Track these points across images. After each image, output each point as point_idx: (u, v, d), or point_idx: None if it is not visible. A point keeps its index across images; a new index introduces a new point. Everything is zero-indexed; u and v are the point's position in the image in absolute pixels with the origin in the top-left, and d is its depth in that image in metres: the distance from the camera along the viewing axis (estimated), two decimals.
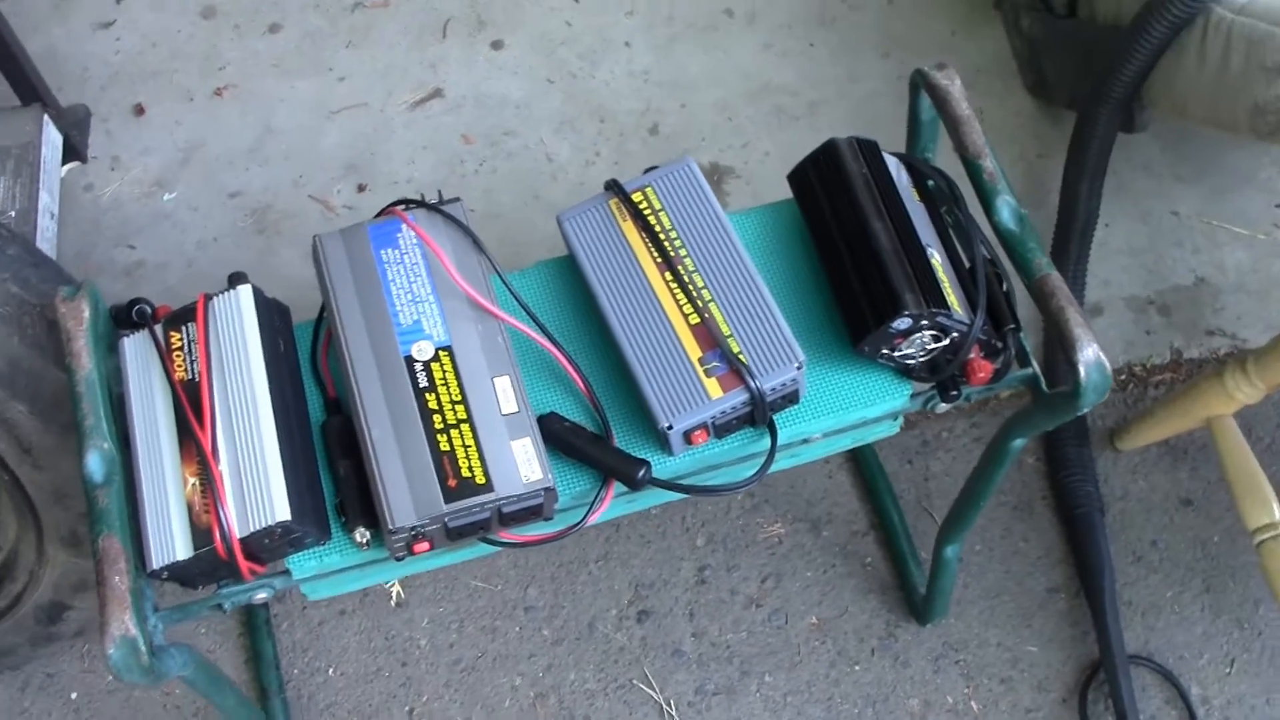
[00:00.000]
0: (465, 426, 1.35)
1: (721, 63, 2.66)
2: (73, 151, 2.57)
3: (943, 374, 1.44)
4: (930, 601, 2.03)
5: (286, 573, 1.41)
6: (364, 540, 1.38)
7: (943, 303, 1.37)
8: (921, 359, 1.43)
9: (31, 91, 2.48)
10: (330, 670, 2.09)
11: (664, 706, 2.04)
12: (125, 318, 1.48)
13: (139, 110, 2.65)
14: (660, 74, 2.64)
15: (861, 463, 2.21)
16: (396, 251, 1.46)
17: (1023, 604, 2.12)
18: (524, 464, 1.33)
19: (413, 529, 1.31)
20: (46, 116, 2.47)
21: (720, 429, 1.40)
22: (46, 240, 2.35)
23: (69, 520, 1.74)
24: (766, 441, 1.43)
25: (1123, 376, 2.29)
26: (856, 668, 2.07)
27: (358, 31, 2.73)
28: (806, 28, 2.69)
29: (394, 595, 2.14)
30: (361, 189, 2.52)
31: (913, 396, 1.48)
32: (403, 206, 1.51)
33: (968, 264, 1.46)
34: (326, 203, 2.50)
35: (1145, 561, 2.15)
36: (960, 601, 2.11)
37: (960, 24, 2.68)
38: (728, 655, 2.07)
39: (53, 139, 2.48)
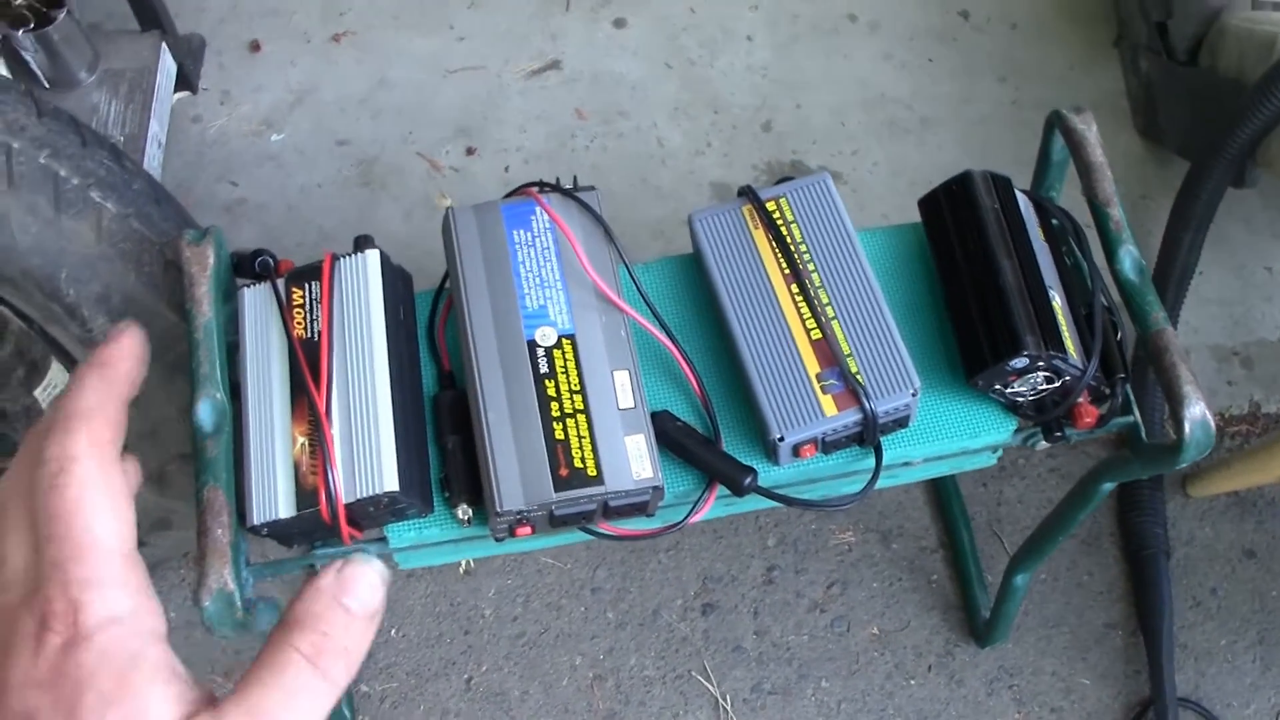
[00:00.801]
0: (581, 417, 1.36)
1: (840, 67, 2.67)
2: (184, 81, 2.59)
3: (1049, 415, 1.45)
4: (992, 625, 2.05)
5: (383, 539, 1.43)
6: (466, 518, 1.39)
7: (1061, 347, 1.39)
8: (1031, 398, 1.45)
9: (152, 17, 2.49)
10: (393, 630, 2.12)
11: (719, 700, 2.06)
12: (246, 267, 1.48)
13: (254, 47, 2.68)
14: (778, 71, 2.65)
15: (937, 481, 2.23)
16: (528, 233, 1.48)
17: (1080, 637, 2.13)
18: (636, 460, 1.35)
19: (519, 513, 1.33)
20: (164, 44, 2.49)
21: (829, 445, 1.42)
22: (152, 169, 2.37)
23: (158, 459, 1.75)
24: (870, 460, 1.44)
25: None
26: (912, 682, 2.09)
27: None
28: (927, 42, 2.70)
29: (463, 564, 2.16)
30: (470, 152, 2.53)
31: (1015, 432, 1.49)
32: (538, 188, 1.52)
33: (1085, 309, 1.47)
34: (434, 162, 2.52)
35: (1204, 608, 2.16)
36: (1019, 628, 2.13)
37: (1079, 58, 2.68)
38: (787, 656, 2.10)
39: (168, 67, 2.49)
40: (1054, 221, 1.55)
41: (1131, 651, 2.12)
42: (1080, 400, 1.43)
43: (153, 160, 2.38)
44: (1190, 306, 2.35)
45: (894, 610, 2.14)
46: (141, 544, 1.82)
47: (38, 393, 1.89)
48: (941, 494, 2.22)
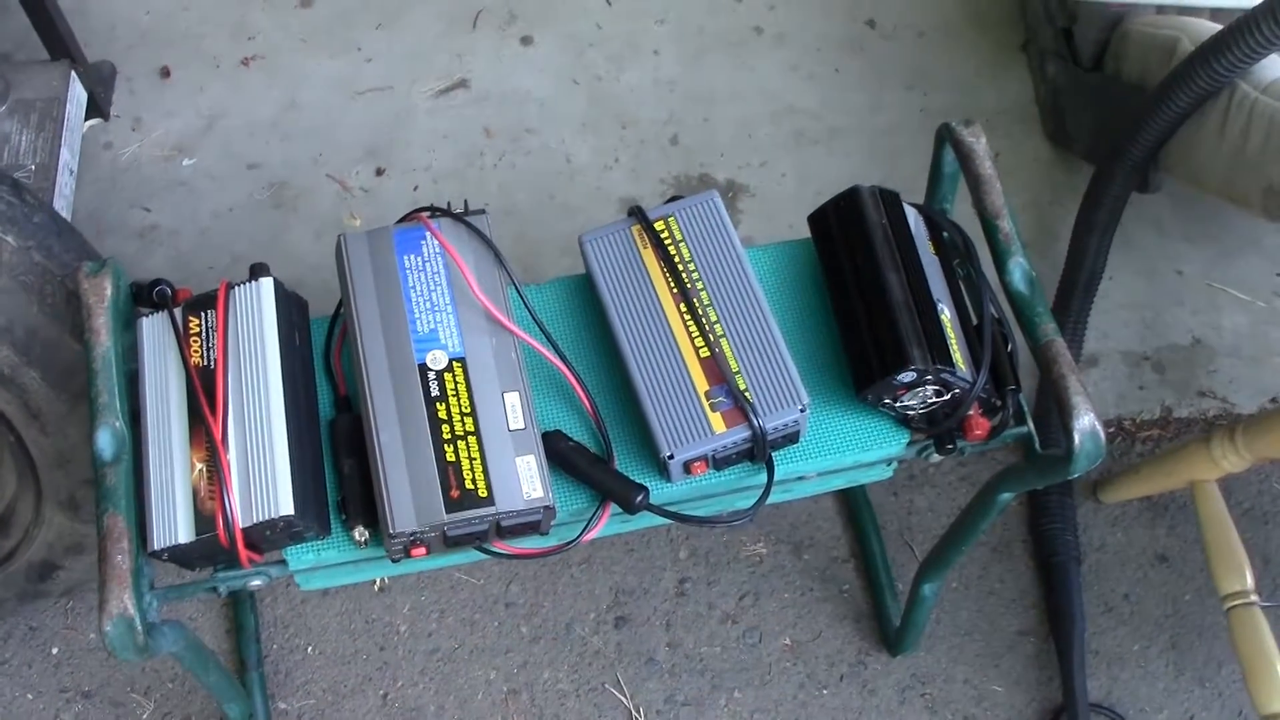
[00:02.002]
0: (473, 439, 1.37)
1: (746, 80, 2.68)
2: (95, 109, 2.58)
3: (941, 427, 1.47)
4: (903, 634, 2.06)
5: (282, 562, 1.44)
6: (363, 539, 1.40)
7: (948, 360, 1.40)
8: (921, 410, 1.46)
9: (61, 46, 2.48)
10: (309, 648, 2.12)
11: (633, 713, 2.07)
12: (145, 296, 1.49)
13: (165, 73, 2.67)
14: (685, 85, 2.66)
15: (847, 491, 2.24)
16: (419, 258, 1.48)
17: (992, 644, 2.15)
18: (526, 480, 1.36)
19: (412, 534, 1.34)
20: (74, 72, 2.48)
21: (720, 461, 1.43)
22: (64, 197, 2.36)
23: (69, 485, 1.76)
24: (763, 476, 1.45)
25: (1111, 429, 2.32)
26: (824, 692, 2.10)
27: (389, 14, 2.75)
28: (834, 53, 2.71)
29: (377, 581, 2.16)
30: (380, 173, 2.54)
31: (908, 445, 1.51)
32: (428, 213, 1.53)
33: (975, 321, 1.49)
34: (344, 183, 2.52)
35: (1116, 613, 2.18)
36: (931, 636, 2.14)
37: (986, 64, 2.71)
38: (700, 668, 2.10)
39: (78, 95, 2.49)
40: (945, 235, 1.56)
41: (1044, 658, 2.14)
42: (971, 413, 1.45)
43: (65, 188, 2.37)
44: (1100, 312, 2.37)
45: (806, 620, 2.15)
46: (57, 568, 1.86)
47: None
48: (852, 504, 2.23)
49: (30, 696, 2.08)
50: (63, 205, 2.33)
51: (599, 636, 2.13)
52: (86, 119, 2.55)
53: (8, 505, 1.89)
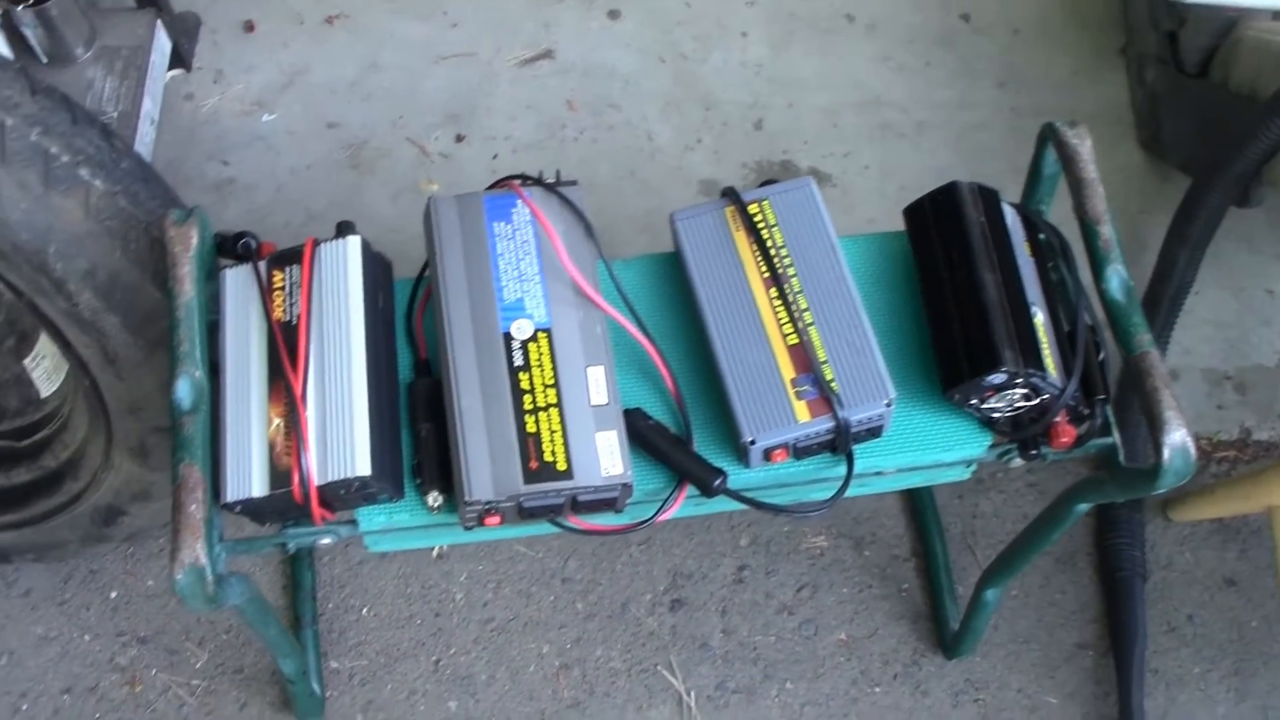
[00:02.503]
0: (554, 411, 1.36)
1: (835, 68, 2.65)
2: (179, 59, 2.58)
3: (1026, 432, 1.45)
4: (961, 637, 2.04)
5: (353, 522, 1.44)
6: (436, 505, 1.40)
7: (1040, 364, 1.38)
8: (1007, 414, 1.44)
9: None
10: (364, 610, 2.12)
11: (683, 696, 2.06)
12: (229, 248, 1.50)
13: (249, 27, 2.67)
14: (772, 70, 2.64)
15: (913, 490, 2.22)
16: (509, 226, 1.48)
17: (1050, 655, 2.13)
18: (606, 456, 1.35)
19: (488, 503, 1.34)
20: (160, 22, 2.48)
21: (800, 451, 1.41)
22: (144, 146, 2.36)
23: (140, 432, 1.76)
24: (841, 468, 1.44)
25: None
26: (877, 689, 2.08)
27: None
28: (926, 45, 2.68)
29: (436, 548, 2.16)
30: (460, 139, 2.53)
31: (990, 448, 1.49)
32: (520, 181, 1.52)
33: (1068, 327, 1.47)
34: (423, 147, 2.51)
35: (1179, 634, 2.15)
36: (988, 642, 2.12)
37: (1083, 65, 2.67)
38: (753, 656, 2.09)
39: (162, 45, 2.49)
40: (1041, 237, 1.54)
41: (1101, 673, 2.11)
42: (1058, 419, 1.43)
43: (145, 137, 2.38)
44: (1184, 327, 2.33)
45: (863, 617, 2.13)
46: (122, 513, 1.88)
47: (26, 362, 1.91)
48: (917, 503, 2.21)
49: (87, 638, 2.10)
50: (143, 154, 2.33)
51: (654, 618, 2.12)
52: (169, 70, 2.55)
53: (78, 448, 1.91)
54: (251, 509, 1.38)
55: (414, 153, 2.51)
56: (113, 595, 2.13)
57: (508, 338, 1.40)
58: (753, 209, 1.50)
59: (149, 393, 1.68)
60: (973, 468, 1.56)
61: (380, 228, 2.34)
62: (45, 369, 1.89)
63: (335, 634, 2.10)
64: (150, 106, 2.38)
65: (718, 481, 1.39)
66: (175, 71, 2.57)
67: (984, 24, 2.72)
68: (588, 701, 2.06)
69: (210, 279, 1.47)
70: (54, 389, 1.93)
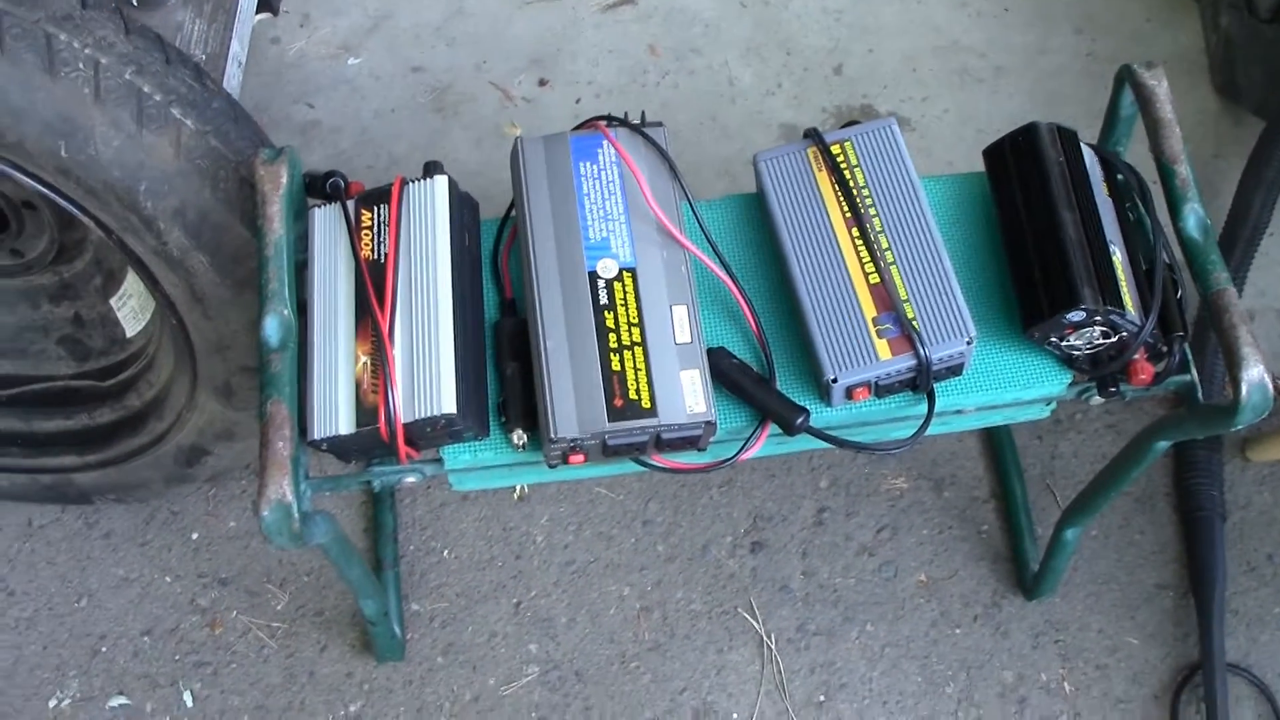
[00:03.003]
0: (639, 350, 1.38)
1: (914, 13, 2.65)
2: (265, 3, 2.58)
3: (1104, 370, 1.46)
4: (1041, 578, 2.06)
5: (438, 460, 1.46)
6: (521, 443, 1.42)
7: (1119, 302, 1.39)
8: (1087, 351, 1.45)
9: None
10: (445, 552, 2.15)
11: (764, 638, 2.08)
12: (318, 188, 1.52)
13: None
14: (852, 15, 2.64)
15: (992, 432, 2.23)
16: (595, 166, 1.49)
17: (1130, 595, 2.13)
18: (690, 395, 1.37)
19: (573, 441, 1.36)
20: None
21: (882, 389, 1.43)
22: (231, 88, 2.37)
23: (225, 371, 1.78)
24: (923, 407, 1.46)
25: None
26: (957, 630, 2.10)
27: None
28: None
29: (517, 490, 2.19)
30: (543, 83, 2.54)
31: (1070, 386, 1.50)
32: (605, 122, 1.53)
33: (1146, 265, 1.47)
34: (507, 92, 2.53)
35: (1258, 573, 2.15)
36: (1068, 583, 2.13)
37: (1157, 11, 2.65)
38: (834, 599, 2.11)
39: None
40: (1119, 177, 1.55)
41: (1181, 614, 2.11)
42: (1136, 357, 1.44)
43: (232, 80, 2.39)
44: (1259, 269, 2.32)
45: (943, 558, 2.14)
46: (206, 453, 1.91)
47: (113, 301, 1.93)
48: (996, 445, 2.22)
49: (169, 579, 2.13)
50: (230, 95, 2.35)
51: (734, 560, 2.14)
52: (256, 13, 2.56)
53: (163, 387, 1.93)
54: (338, 446, 1.40)
55: (497, 97, 2.53)
56: (194, 536, 2.17)
57: (593, 276, 1.42)
58: (835, 149, 1.52)
59: (235, 332, 1.70)
60: (1052, 406, 1.57)
61: (463, 172, 2.36)
62: (132, 308, 1.92)
63: (416, 576, 2.13)
64: (238, 49, 2.40)
65: (800, 420, 1.40)
66: (262, 15, 2.59)
67: None
68: (668, 644, 2.09)
69: (299, 218, 1.50)
70: (139, 328, 1.95)
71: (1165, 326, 1.44)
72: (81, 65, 1.49)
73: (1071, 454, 2.23)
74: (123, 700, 2.05)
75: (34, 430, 2.02)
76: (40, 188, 1.53)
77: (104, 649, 2.09)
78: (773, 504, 2.17)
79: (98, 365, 2.01)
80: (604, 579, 2.13)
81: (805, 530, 2.16)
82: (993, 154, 1.56)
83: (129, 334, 1.97)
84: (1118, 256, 1.44)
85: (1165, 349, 1.44)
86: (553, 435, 1.35)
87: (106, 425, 2.00)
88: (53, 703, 2.05)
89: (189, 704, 2.05)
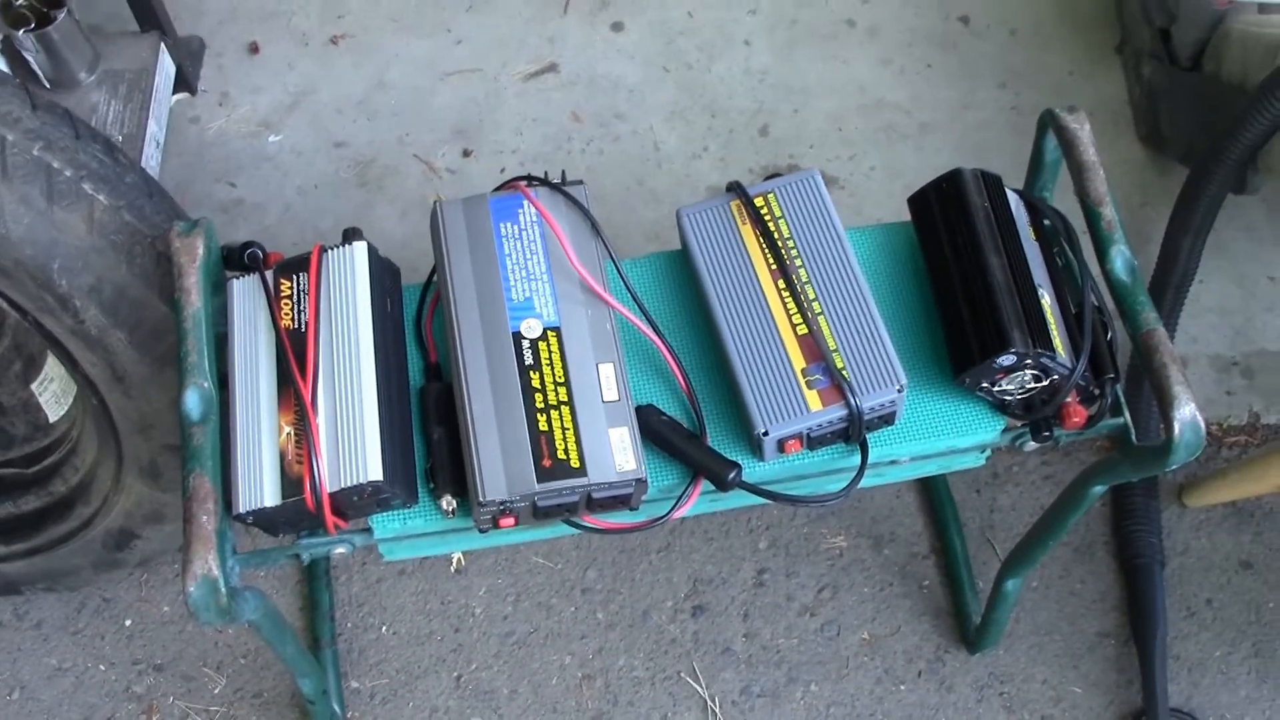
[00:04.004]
0: (565, 409, 1.36)
1: (838, 72, 2.66)
2: (183, 83, 2.59)
3: (1037, 414, 1.45)
4: (983, 631, 2.04)
5: (368, 530, 1.43)
6: (450, 509, 1.40)
7: (1049, 344, 1.38)
8: (1019, 396, 1.44)
9: (152, 18, 2.50)
10: (384, 628, 2.12)
11: (708, 703, 2.06)
12: (236, 259, 1.50)
13: (253, 48, 2.68)
14: (776, 76, 2.65)
15: (930, 486, 2.22)
16: (515, 226, 1.48)
17: (1072, 645, 2.13)
18: (619, 453, 1.35)
19: (502, 504, 1.33)
20: (163, 45, 2.49)
21: (814, 441, 1.42)
22: (150, 168, 2.37)
23: (150, 451, 1.76)
24: (856, 458, 1.44)
25: None
26: (902, 687, 2.08)
27: None
28: (926, 48, 2.69)
29: (454, 562, 2.16)
30: (467, 154, 2.54)
31: (1003, 432, 1.49)
32: (525, 182, 1.52)
33: (1075, 309, 1.47)
34: (430, 164, 2.52)
35: (1198, 618, 2.15)
36: (1010, 635, 2.12)
37: (1080, 64, 2.67)
38: (777, 660, 2.09)
39: (166, 68, 2.50)
40: (1045, 221, 1.55)
41: (1124, 661, 2.11)
42: (1069, 400, 1.43)
43: (151, 160, 2.39)
44: (1190, 315, 2.34)
45: (885, 615, 2.13)
46: (134, 537, 1.87)
47: (34, 386, 1.91)
48: (934, 499, 2.21)
49: (103, 667, 2.10)
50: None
51: (676, 625, 2.12)
52: (174, 93, 2.56)
53: (88, 471, 1.90)
54: (264, 519, 1.37)
55: (421, 169, 2.52)
56: (127, 623, 2.13)
57: (517, 337, 1.40)
58: (758, 202, 1.51)
59: (159, 410, 1.68)
60: (987, 454, 1.56)
61: (389, 244, 2.35)
62: (54, 392, 1.89)
63: (355, 653, 2.10)
64: (155, 129, 2.39)
65: (732, 475, 1.39)
66: (180, 95, 2.58)
67: (982, 26, 2.73)
68: (612, 712, 2.07)
69: (218, 292, 1.47)
70: (62, 413, 1.92)
71: (1096, 369, 1.43)
72: None
73: (1010, 506, 2.22)
74: None
75: None
76: None
77: None
78: (712, 567, 2.16)
79: (21, 452, 1.98)
80: (545, 649, 2.11)
81: (746, 592, 2.14)
82: (917, 201, 1.55)
83: (52, 419, 1.94)
84: (1046, 300, 1.44)
85: (1097, 391, 1.44)
86: (481, 498, 1.33)
87: (32, 513, 1.97)
88: None
89: None
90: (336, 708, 2.01)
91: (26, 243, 1.48)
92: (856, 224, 2.19)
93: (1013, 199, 1.52)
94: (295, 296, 1.45)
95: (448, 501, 1.40)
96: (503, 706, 2.07)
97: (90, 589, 2.14)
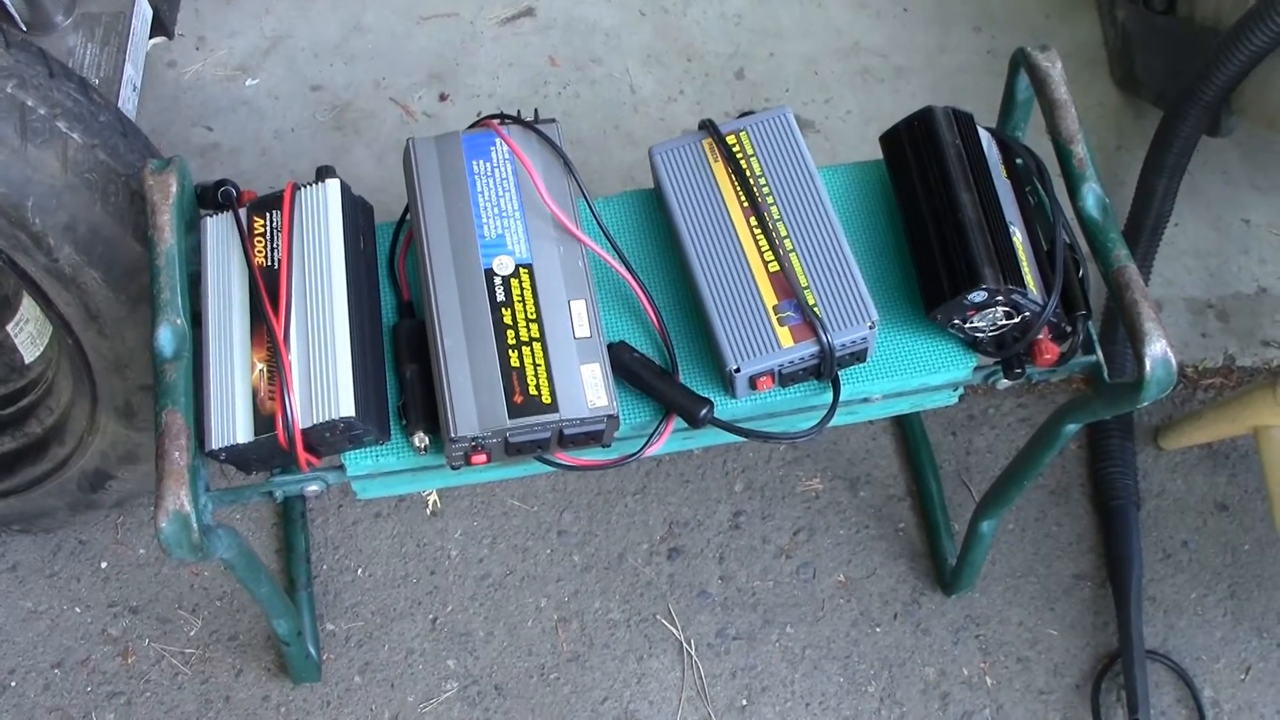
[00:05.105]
0: (537, 345, 1.36)
1: (814, 16, 2.65)
2: (160, 26, 2.55)
3: (1009, 351, 1.45)
4: (958, 573, 2.05)
5: (340, 468, 1.44)
6: (422, 445, 1.40)
7: (1020, 281, 1.38)
8: (990, 333, 1.44)
9: None
10: (359, 570, 2.12)
11: (684, 645, 2.06)
12: (210, 198, 1.50)
13: None
14: (752, 20, 2.64)
15: (906, 429, 2.22)
16: (488, 164, 1.47)
17: (1048, 587, 2.13)
18: (591, 389, 1.35)
19: (473, 439, 1.34)
20: None
21: (786, 378, 1.42)
22: (127, 110, 2.35)
23: (125, 391, 1.76)
24: (828, 395, 1.44)
25: None
26: (877, 630, 2.09)
27: None
28: None
29: (430, 504, 2.16)
30: (443, 98, 2.52)
31: (976, 369, 1.49)
32: (498, 120, 1.52)
33: (1046, 245, 1.47)
34: (407, 107, 2.51)
35: (1174, 560, 2.16)
36: (986, 577, 2.13)
37: (1055, 8, 2.67)
38: (752, 602, 2.09)
39: (143, 11, 2.47)
40: (1018, 160, 1.54)
41: (1100, 603, 2.12)
42: (1040, 337, 1.43)
43: (127, 103, 2.36)
44: (1165, 258, 2.34)
45: (860, 558, 2.13)
46: (109, 477, 1.87)
47: (10, 327, 1.90)
48: (910, 442, 2.21)
49: (78, 610, 2.09)
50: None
51: (651, 567, 2.12)
52: (151, 37, 2.53)
53: (63, 412, 1.90)
54: (237, 455, 1.38)
55: (398, 113, 2.51)
56: (103, 566, 2.12)
57: (489, 274, 1.40)
58: (730, 139, 1.51)
59: (133, 350, 1.67)
60: (959, 392, 1.56)
61: (366, 188, 2.28)
62: (29, 334, 1.88)
63: (330, 596, 2.10)
64: (132, 73, 2.37)
65: (704, 411, 1.39)
66: (157, 39, 2.55)
67: None
68: (588, 654, 2.07)
69: (191, 230, 1.47)
70: (38, 354, 1.92)
71: (1068, 306, 1.44)
72: None
73: (985, 449, 2.23)
74: None
75: None
76: None
77: (13, 684, 2.04)
78: (688, 510, 2.16)
79: None
80: (520, 591, 2.11)
81: (721, 535, 2.14)
82: (889, 139, 1.55)
83: (27, 360, 1.93)
84: (1018, 237, 1.44)
85: (1069, 329, 1.44)
86: (453, 434, 1.33)
87: (7, 454, 1.97)
88: None
89: None
90: (312, 650, 2.01)
91: (0, 181, 1.48)
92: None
93: (985, 137, 1.52)
94: (268, 234, 1.45)
95: (420, 438, 1.39)
96: (479, 649, 2.07)
97: (66, 531, 2.13)
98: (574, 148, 2.43)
